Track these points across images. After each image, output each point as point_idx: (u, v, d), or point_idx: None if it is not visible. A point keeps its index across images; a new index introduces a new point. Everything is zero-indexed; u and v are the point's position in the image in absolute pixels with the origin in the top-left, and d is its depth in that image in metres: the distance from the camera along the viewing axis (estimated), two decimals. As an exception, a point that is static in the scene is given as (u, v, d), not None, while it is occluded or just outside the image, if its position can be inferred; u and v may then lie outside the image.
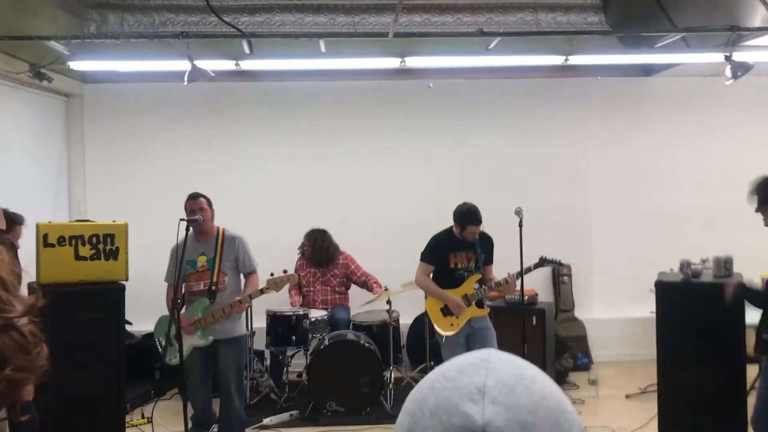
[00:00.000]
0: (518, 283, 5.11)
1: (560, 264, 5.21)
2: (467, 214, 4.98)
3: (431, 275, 5.15)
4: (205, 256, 4.80)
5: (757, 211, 3.91)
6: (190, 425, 4.74)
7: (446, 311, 5.07)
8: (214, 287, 4.77)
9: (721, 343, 4.45)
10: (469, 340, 5.07)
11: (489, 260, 5.23)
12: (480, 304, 5.11)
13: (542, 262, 5.11)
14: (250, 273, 4.94)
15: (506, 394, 0.70)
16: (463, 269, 5.09)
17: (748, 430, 4.41)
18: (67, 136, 7.19)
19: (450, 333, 5.03)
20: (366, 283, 6.72)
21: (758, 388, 3.75)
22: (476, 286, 5.10)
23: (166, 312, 4.82)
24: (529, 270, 5.05)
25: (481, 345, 5.00)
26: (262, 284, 4.91)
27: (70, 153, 7.21)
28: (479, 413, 0.69)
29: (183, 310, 4.75)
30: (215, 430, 5.00)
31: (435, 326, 5.10)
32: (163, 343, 4.79)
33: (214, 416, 5.04)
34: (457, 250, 5.07)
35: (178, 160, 7.23)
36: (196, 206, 4.74)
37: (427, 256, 5.14)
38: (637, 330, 7.10)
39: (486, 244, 5.20)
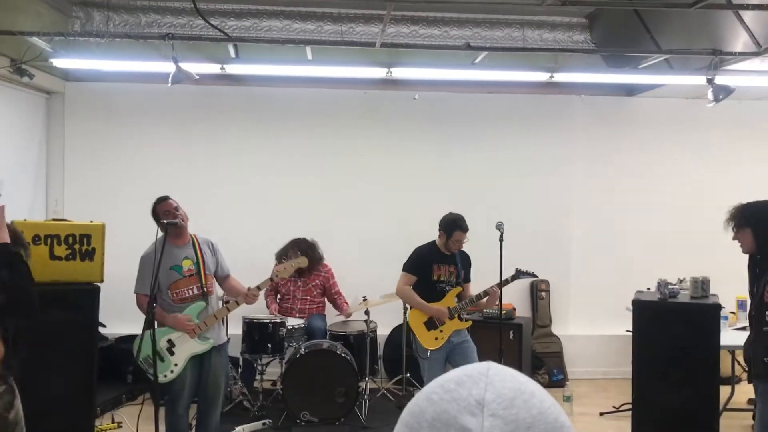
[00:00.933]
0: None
1: (535, 276, 5.23)
2: (455, 222, 5.00)
3: (412, 287, 5.13)
4: (190, 260, 4.59)
5: (734, 238, 3.93)
6: None
7: (430, 325, 5.03)
8: (206, 289, 4.59)
9: (695, 363, 4.48)
10: (449, 355, 5.04)
11: (467, 278, 5.23)
12: (461, 318, 5.11)
13: (518, 274, 5.13)
14: (227, 276, 4.83)
15: (505, 408, 0.70)
16: (445, 282, 5.08)
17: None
18: (47, 133, 7.10)
19: (435, 347, 4.99)
20: (336, 301, 6.71)
21: (758, 415, 3.75)
22: (457, 299, 5.10)
23: (141, 318, 4.65)
24: (506, 282, 5.08)
25: (461, 359, 4.98)
26: (268, 274, 4.79)
27: (49, 151, 7.12)
28: (478, 426, 0.68)
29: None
30: None
31: (419, 341, 5.04)
32: (152, 360, 4.39)
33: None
34: (440, 263, 5.06)
35: (159, 163, 7.16)
36: (170, 207, 4.54)
37: (410, 266, 5.11)
38: (613, 348, 7.13)
39: (465, 261, 5.21)
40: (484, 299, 5.09)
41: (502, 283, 5.04)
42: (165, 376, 4.52)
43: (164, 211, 4.55)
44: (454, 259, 5.09)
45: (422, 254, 5.11)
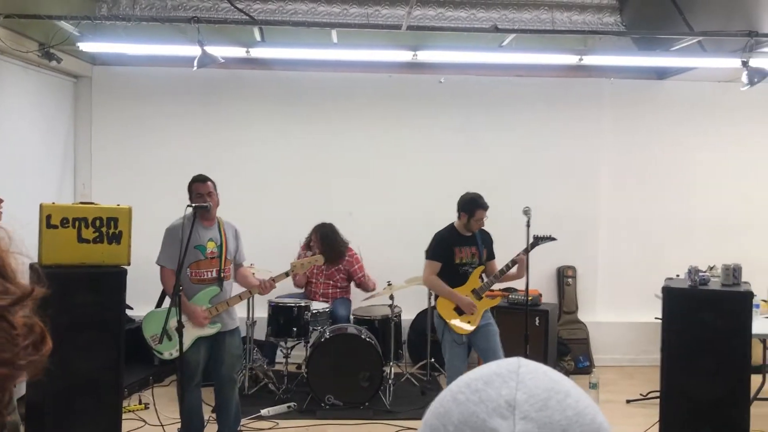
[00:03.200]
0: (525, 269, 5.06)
1: (553, 239, 5.17)
2: (474, 201, 4.96)
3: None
4: (214, 242, 4.66)
5: None
6: None
7: (460, 310, 5.02)
8: (223, 275, 4.67)
9: (726, 351, 4.40)
10: (471, 338, 5.02)
11: (491, 255, 5.19)
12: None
13: (537, 240, 5.10)
14: (241, 264, 4.88)
15: (538, 410, 0.64)
16: (467, 264, 5.04)
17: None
18: (75, 117, 7.15)
19: (469, 330, 4.97)
20: (362, 283, 6.68)
21: None
22: (481, 279, 5.05)
23: (165, 299, 4.70)
24: (527, 251, 5.02)
25: (483, 342, 4.97)
26: (284, 269, 4.86)
27: (77, 135, 7.17)
28: (509, 430, 0.63)
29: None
30: None
31: (453, 329, 4.99)
32: (159, 338, 4.53)
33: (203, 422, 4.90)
34: (462, 245, 5.03)
35: (185, 146, 7.18)
36: (204, 190, 4.60)
37: (433, 253, 5.07)
38: (640, 335, 7.06)
39: (486, 239, 5.16)
40: (513, 269, 5.04)
41: (523, 253, 5.02)
42: (171, 354, 4.59)
43: (197, 193, 4.60)
44: (474, 240, 5.06)
45: (443, 239, 5.06)
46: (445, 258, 5.02)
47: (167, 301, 4.55)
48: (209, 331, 4.64)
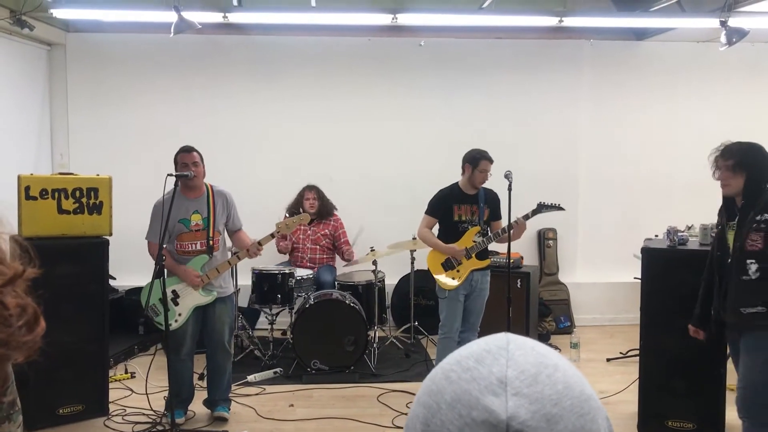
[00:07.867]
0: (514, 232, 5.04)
1: (561, 208, 5.12)
2: (480, 152, 5.00)
3: (435, 229, 5.16)
4: (200, 214, 4.63)
5: (719, 178, 3.78)
6: (169, 403, 4.58)
7: (447, 265, 5.07)
8: (211, 242, 4.66)
9: (703, 309, 4.47)
10: (467, 297, 5.09)
11: (497, 216, 5.19)
12: (483, 256, 5.10)
13: (540, 207, 5.04)
14: (238, 230, 4.87)
15: (529, 385, 0.65)
16: (467, 222, 5.08)
17: (725, 395, 4.48)
18: (50, 86, 7.03)
19: (452, 287, 5.02)
20: (343, 251, 6.71)
21: (741, 368, 3.73)
22: (476, 238, 5.07)
23: (150, 268, 4.69)
24: (527, 217, 5.01)
25: (472, 303, 5.10)
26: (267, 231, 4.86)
27: (52, 104, 7.06)
28: (502, 407, 0.64)
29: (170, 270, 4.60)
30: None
31: (437, 280, 5.08)
32: (160, 309, 4.51)
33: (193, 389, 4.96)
34: (461, 203, 5.06)
35: (163, 114, 7.10)
36: (189, 160, 4.56)
37: (430, 208, 5.15)
38: (619, 295, 7.17)
39: (491, 199, 5.15)
40: (511, 231, 5.01)
41: (524, 218, 5.00)
42: (170, 325, 4.59)
43: (182, 163, 4.57)
44: (476, 199, 5.07)
45: (442, 196, 5.11)
46: (443, 215, 5.08)
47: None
48: (206, 299, 4.67)
